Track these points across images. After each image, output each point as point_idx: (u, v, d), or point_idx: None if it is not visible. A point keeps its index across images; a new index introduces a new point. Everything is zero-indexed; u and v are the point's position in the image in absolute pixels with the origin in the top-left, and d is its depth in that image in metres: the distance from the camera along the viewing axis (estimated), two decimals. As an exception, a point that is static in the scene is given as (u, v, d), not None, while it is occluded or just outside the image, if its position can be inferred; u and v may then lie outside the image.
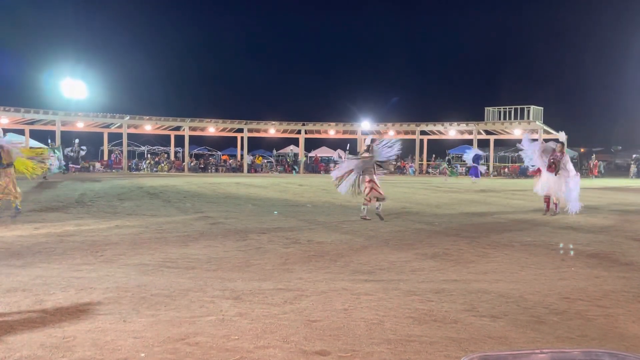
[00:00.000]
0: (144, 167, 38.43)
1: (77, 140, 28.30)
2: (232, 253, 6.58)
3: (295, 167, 34.17)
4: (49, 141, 20.81)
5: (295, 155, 41.51)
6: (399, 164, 40.75)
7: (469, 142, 41.29)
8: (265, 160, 44.19)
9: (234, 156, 45.49)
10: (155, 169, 38.09)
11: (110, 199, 14.12)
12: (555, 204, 11.44)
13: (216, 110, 54.84)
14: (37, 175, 15.72)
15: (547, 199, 11.48)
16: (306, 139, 43.05)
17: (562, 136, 12.43)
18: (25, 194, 14.50)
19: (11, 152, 10.60)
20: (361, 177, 10.40)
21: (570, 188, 11.16)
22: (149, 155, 42.66)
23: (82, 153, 32.85)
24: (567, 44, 61.62)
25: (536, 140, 13.12)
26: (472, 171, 26.06)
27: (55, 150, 23.13)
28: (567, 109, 48.89)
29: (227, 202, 14.08)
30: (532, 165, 12.18)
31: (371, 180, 10.29)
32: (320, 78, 73.09)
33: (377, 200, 10.29)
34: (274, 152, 45.63)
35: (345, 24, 77.70)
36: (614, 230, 9.13)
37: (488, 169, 37.23)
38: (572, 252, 7.00)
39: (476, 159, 25.94)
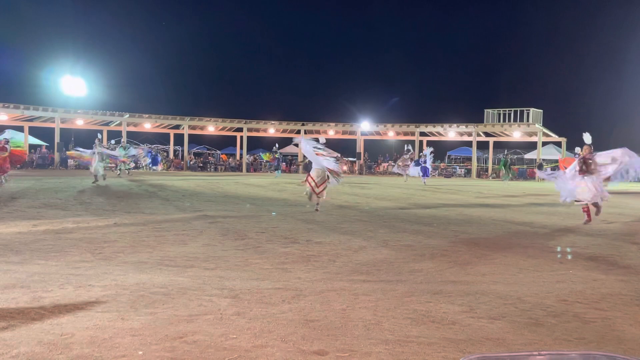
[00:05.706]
0: (142, 165, 38.35)
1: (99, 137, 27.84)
2: (230, 252, 6.58)
3: (279, 168, 31.60)
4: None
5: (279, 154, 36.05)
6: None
7: (468, 144, 41.34)
8: (265, 160, 44.07)
9: (233, 155, 45.47)
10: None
11: (109, 197, 14.11)
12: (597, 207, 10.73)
13: (216, 109, 54.69)
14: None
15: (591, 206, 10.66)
16: (306, 139, 42.94)
17: (587, 138, 10.83)
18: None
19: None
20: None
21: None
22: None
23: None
24: (567, 47, 61.70)
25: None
26: (424, 171, 26.28)
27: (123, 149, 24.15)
28: (566, 112, 48.88)
29: (226, 201, 14.08)
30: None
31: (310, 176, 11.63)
32: (320, 78, 73.10)
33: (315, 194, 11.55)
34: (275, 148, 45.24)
35: (346, 24, 77.66)
36: (612, 234, 9.14)
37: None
38: (569, 256, 7.01)
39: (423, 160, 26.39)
